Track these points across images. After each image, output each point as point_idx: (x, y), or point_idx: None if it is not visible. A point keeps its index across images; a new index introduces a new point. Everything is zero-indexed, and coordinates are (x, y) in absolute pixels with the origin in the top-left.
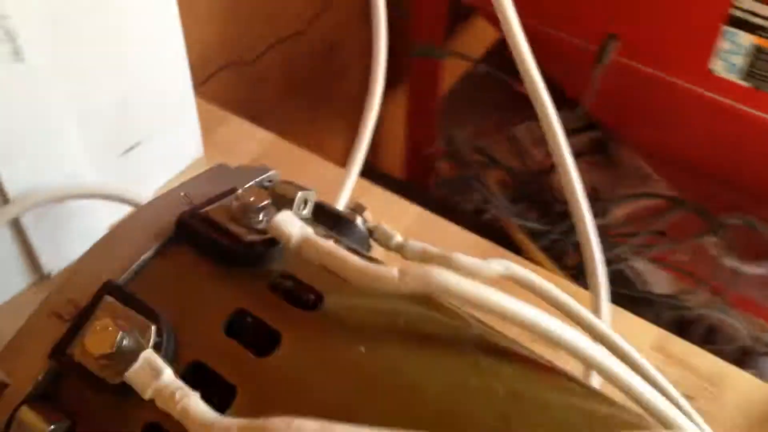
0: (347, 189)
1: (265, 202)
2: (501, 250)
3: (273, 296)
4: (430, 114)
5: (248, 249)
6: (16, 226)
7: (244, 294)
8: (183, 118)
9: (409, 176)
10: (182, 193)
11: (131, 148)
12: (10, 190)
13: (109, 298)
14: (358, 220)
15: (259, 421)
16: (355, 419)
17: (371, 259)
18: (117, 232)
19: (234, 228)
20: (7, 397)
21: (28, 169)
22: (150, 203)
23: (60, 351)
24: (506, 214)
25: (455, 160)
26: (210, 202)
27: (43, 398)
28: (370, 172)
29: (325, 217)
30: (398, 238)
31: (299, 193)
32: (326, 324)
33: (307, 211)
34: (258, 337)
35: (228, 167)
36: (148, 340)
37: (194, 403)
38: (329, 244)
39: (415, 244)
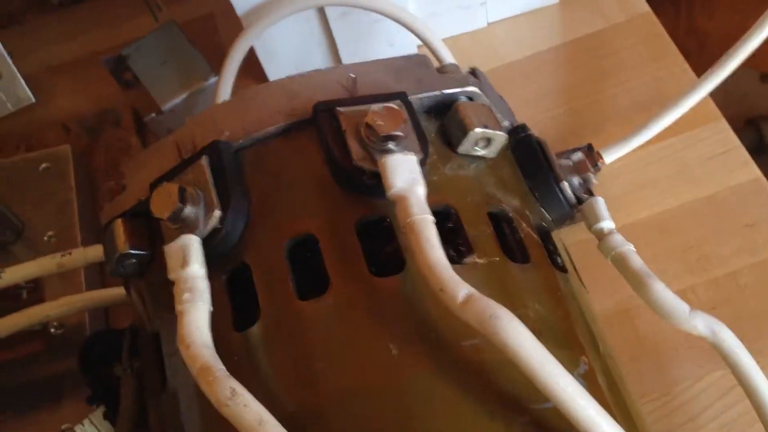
0: (666, 116)
1: (395, 132)
2: None
3: (353, 238)
4: None
5: (351, 174)
6: (323, 15)
7: (328, 220)
8: None
9: None
10: (351, 75)
11: None
12: None
13: (204, 161)
14: (570, 183)
15: (220, 372)
16: (338, 416)
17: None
18: (271, 89)
19: (353, 144)
20: (117, 202)
21: None
22: (313, 72)
23: (156, 186)
24: None
25: None
26: (363, 100)
27: (143, 216)
28: None
29: (529, 160)
30: (607, 224)
31: (475, 130)
32: (383, 299)
33: (488, 152)
34: (316, 271)
35: (429, 63)
36: (206, 223)
37: (193, 313)
38: (421, 219)
39: (620, 242)
